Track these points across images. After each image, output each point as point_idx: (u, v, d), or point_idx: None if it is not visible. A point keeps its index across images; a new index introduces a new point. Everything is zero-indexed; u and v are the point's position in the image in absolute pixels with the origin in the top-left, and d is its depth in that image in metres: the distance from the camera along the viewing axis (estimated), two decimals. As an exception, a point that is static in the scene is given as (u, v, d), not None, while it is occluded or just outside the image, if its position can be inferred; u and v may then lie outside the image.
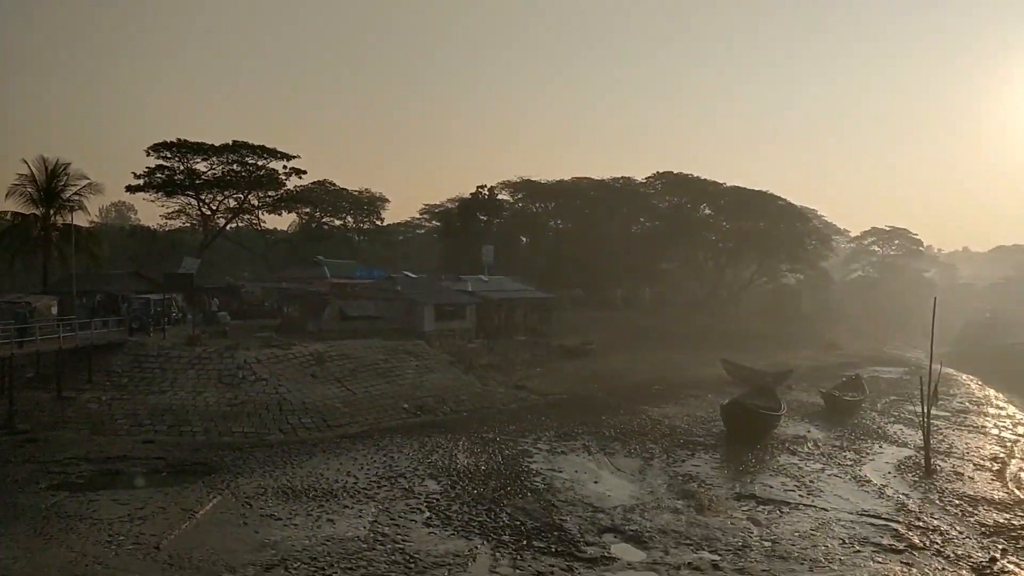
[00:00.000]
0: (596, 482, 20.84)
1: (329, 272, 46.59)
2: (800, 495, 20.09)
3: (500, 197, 67.52)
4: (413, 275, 47.16)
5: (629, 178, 70.89)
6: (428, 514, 17.58)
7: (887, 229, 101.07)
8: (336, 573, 14.05)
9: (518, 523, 17.14)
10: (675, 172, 70.07)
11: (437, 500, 18.62)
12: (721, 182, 69.92)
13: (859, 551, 16.01)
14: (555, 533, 16.57)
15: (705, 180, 69.61)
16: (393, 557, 14.89)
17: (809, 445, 26.27)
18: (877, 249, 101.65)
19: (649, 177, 70.59)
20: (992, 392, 43.88)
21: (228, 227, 59.37)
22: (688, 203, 69.62)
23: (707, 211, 70.71)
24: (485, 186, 64.96)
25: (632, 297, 65.11)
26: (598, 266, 61.08)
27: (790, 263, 71.44)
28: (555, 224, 71.74)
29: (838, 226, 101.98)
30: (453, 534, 16.37)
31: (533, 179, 70.20)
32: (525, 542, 16.01)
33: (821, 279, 77.71)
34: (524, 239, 68.67)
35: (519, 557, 15.17)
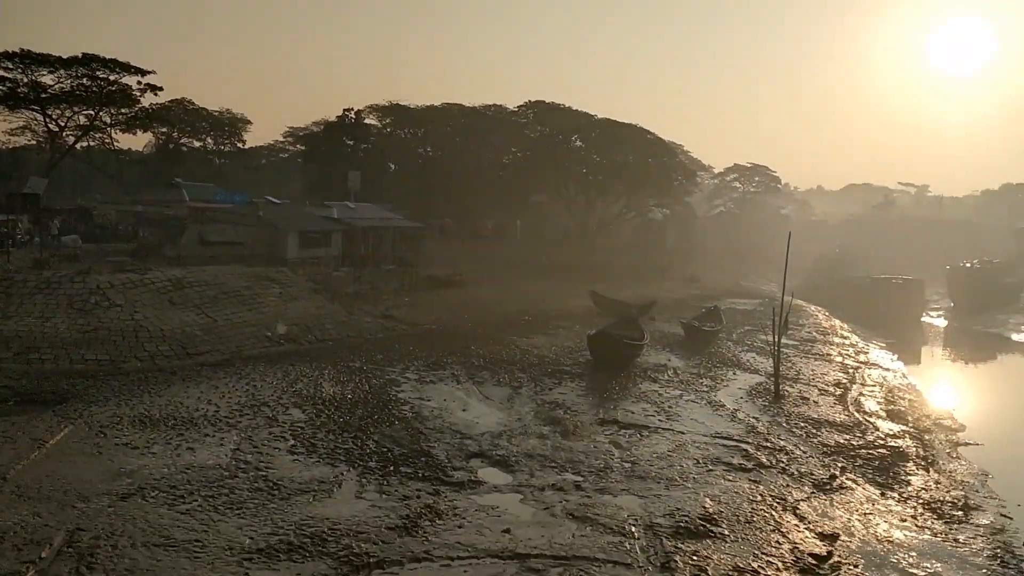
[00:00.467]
0: (464, 410, 20.98)
1: (188, 195, 44.73)
2: (659, 420, 20.82)
3: (367, 122, 65.91)
4: (276, 200, 45.77)
5: (500, 106, 70.45)
6: (292, 442, 17.30)
7: (748, 166, 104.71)
8: (196, 501, 13.67)
9: (385, 450, 17.10)
10: (547, 102, 70.02)
11: (302, 428, 18.34)
12: (592, 113, 70.39)
13: (711, 470, 16.77)
14: (422, 459, 16.61)
15: (576, 111, 69.88)
16: (256, 484, 14.61)
17: (669, 373, 27.18)
18: (739, 186, 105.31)
19: (521, 106, 70.34)
20: (838, 322, 46.51)
21: (78, 146, 55.90)
22: (559, 134, 69.80)
23: (578, 143, 71.13)
24: (352, 109, 63.23)
25: (502, 228, 65.32)
26: (468, 196, 60.81)
27: (657, 198, 72.99)
28: (424, 151, 70.69)
29: (703, 162, 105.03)
30: (318, 461, 16.19)
31: (402, 103, 68.78)
32: (392, 468, 16.00)
33: (686, 214, 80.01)
34: (392, 166, 67.48)
35: (386, 483, 15.15)
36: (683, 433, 19.57)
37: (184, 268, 31.62)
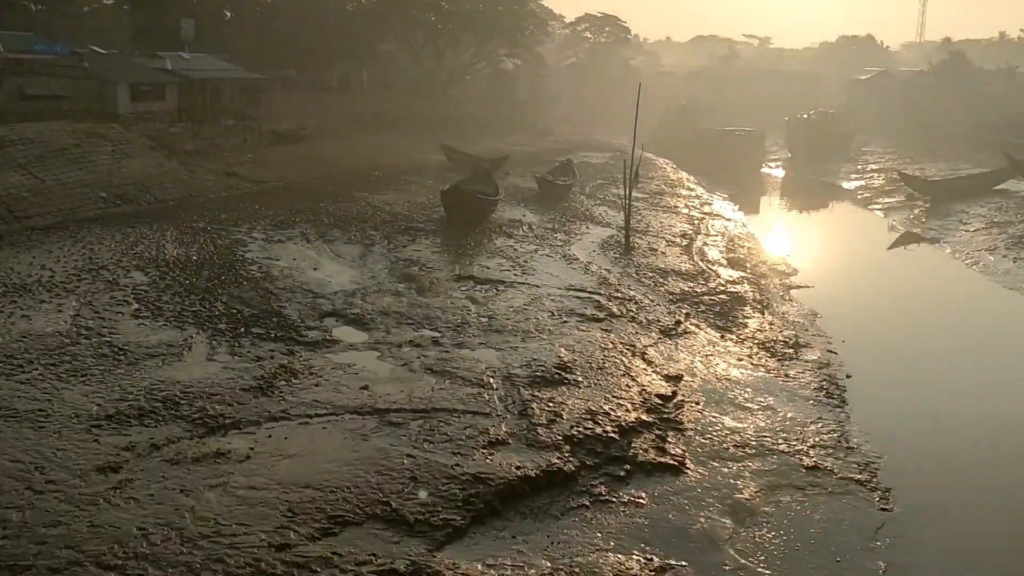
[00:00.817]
0: (315, 269, 20.58)
1: (1, 46, 40.57)
2: (515, 275, 21.07)
3: (201, -36, 60.95)
4: (102, 51, 42.19)
5: (345, -51, 66.57)
6: (136, 306, 16.59)
7: (599, 16, 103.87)
8: (36, 369, 13.01)
9: (235, 312, 16.65)
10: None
11: (145, 292, 17.59)
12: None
13: (566, 321, 17.23)
14: (274, 320, 16.29)
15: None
16: (100, 351, 14.00)
17: (524, 228, 27.42)
18: (589, 36, 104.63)
19: (366, -51, 66.60)
20: (685, 175, 47.92)
21: None
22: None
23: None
24: (183, -50, 58.22)
25: (348, 80, 62.80)
26: (311, 45, 57.78)
27: (508, 48, 71.61)
28: (264, -3, 66.29)
29: (554, 11, 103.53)
30: (165, 325, 15.63)
31: (238, -56, 64.02)
32: (243, 330, 15.64)
33: (537, 65, 79.08)
34: (228, 13, 63.05)
35: (237, 344, 14.82)
36: (538, 287, 19.92)
37: (4, 125, 29.08)
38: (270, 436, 11.21)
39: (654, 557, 9.16)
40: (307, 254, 22.08)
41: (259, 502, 9.45)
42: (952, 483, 11.52)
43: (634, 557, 9.14)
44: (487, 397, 12.85)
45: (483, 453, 10.94)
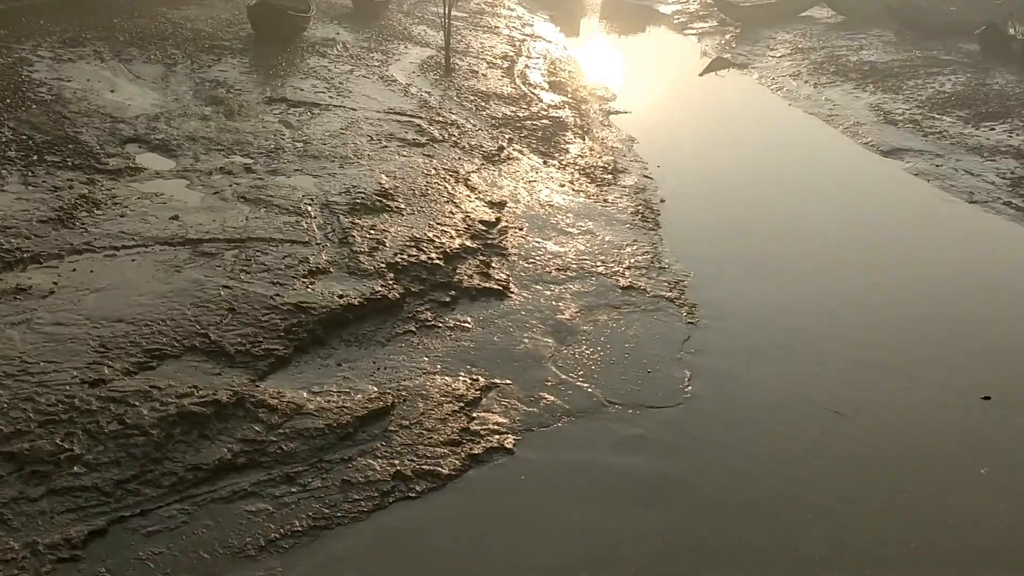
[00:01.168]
0: (113, 91, 18.84)
1: None
2: (330, 97, 20.15)
3: None
4: None
5: None
6: (-95, 135, 14.76)
7: None
8: None
9: (24, 137, 15.09)
10: None
11: (-86, 118, 15.63)
12: None
13: (386, 146, 16.79)
14: (70, 146, 14.93)
15: None
16: None
17: (338, 47, 26.04)
18: None
19: None
20: (505, -6, 46.69)
21: None
22: None
23: None
24: None
25: None
26: None
27: None
28: None
29: None
30: (-59, 156, 14.04)
31: None
32: (36, 157, 14.25)
33: None
34: None
35: (31, 173, 13.53)
36: (355, 110, 19.18)
37: None
38: (75, 270, 10.48)
39: (480, 377, 9.42)
40: (102, 75, 20.11)
41: (68, 338, 8.92)
42: (752, 296, 12.31)
43: (460, 378, 9.36)
44: (305, 225, 12.45)
45: (303, 282, 10.70)
